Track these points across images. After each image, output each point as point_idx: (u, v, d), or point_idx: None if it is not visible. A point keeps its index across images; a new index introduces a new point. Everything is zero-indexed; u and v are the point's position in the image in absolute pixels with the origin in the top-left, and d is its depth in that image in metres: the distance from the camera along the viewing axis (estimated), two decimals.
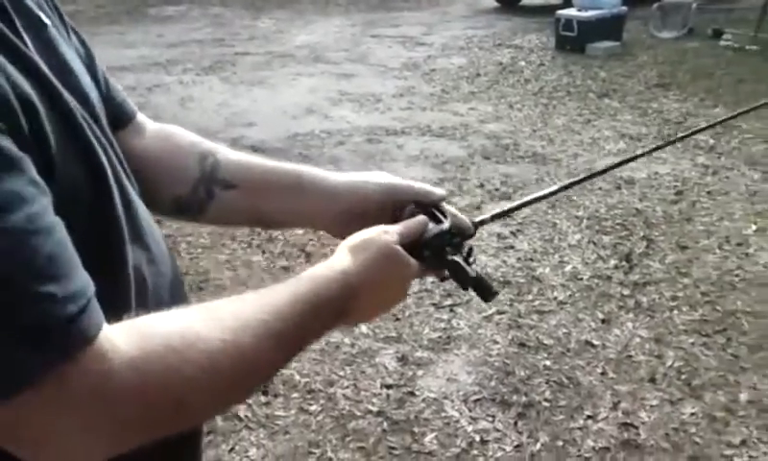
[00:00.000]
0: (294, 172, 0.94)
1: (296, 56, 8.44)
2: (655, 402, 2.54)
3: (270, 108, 6.36)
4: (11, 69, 0.56)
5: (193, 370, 0.57)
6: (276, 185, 0.93)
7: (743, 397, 2.57)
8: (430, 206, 0.91)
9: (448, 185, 4.55)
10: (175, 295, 0.81)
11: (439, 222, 0.88)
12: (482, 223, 0.98)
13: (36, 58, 0.62)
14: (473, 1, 12.13)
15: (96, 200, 0.66)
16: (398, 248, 0.80)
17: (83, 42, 0.85)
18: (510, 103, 6.43)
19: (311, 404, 2.60)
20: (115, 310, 0.58)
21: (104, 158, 0.67)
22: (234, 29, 10.08)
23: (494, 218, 1.02)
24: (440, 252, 0.86)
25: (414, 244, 0.83)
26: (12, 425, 0.51)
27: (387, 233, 0.80)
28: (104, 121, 0.76)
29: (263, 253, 3.68)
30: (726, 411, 2.51)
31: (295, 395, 2.65)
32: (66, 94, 0.64)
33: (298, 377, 2.73)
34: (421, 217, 0.87)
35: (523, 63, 7.85)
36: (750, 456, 2.32)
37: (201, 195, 0.92)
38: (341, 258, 0.77)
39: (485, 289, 0.88)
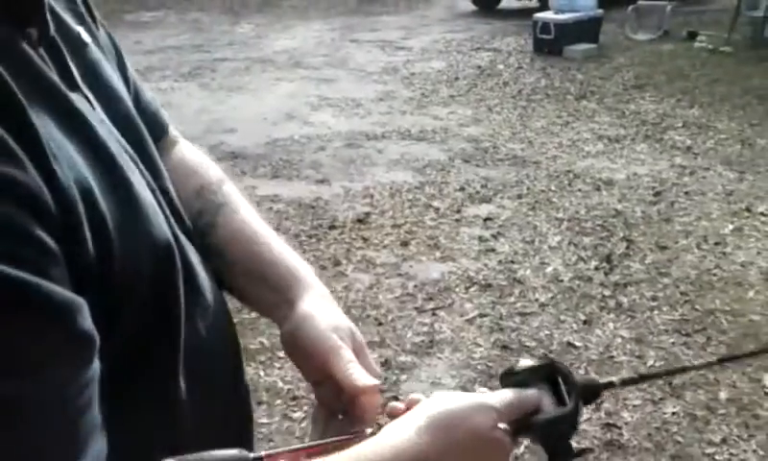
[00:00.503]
0: (288, 293, 0.81)
1: (275, 61, 8.42)
2: (637, 402, 2.56)
3: (250, 113, 6.34)
4: (72, 152, 0.53)
5: None
6: (263, 286, 0.83)
7: (723, 395, 2.60)
8: (550, 370, 0.69)
9: (429, 189, 4.57)
10: (224, 338, 0.77)
11: (559, 397, 0.67)
12: (609, 385, 0.74)
13: (91, 119, 0.59)
14: (452, 4, 12.19)
15: (157, 270, 0.61)
16: (498, 434, 0.64)
17: (110, 36, 0.80)
18: (489, 106, 6.46)
19: (295, 411, 2.59)
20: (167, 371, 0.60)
21: (162, 221, 0.63)
22: (213, 35, 10.04)
23: (625, 384, 0.80)
24: (556, 441, 0.66)
25: (519, 422, 0.66)
26: None
27: (483, 411, 0.64)
28: (151, 148, 0.72)
29: None
30: (706, 409, 2.53)
31: (278, 402, 2.64)
32: (119, 160, 0.60)
33: (281, 384, 2.72)
34: (534, 393, 0.67)
35: (502, 66, 7.90)
36: (731, 454, 2.34)
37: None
38: (420, 440, 0.62)
39: None
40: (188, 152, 0.94)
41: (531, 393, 0.67)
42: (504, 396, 0.67)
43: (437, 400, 0.65)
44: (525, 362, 0.71)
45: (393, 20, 11.18)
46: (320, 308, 0.79)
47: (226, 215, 0.86)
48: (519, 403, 0.67)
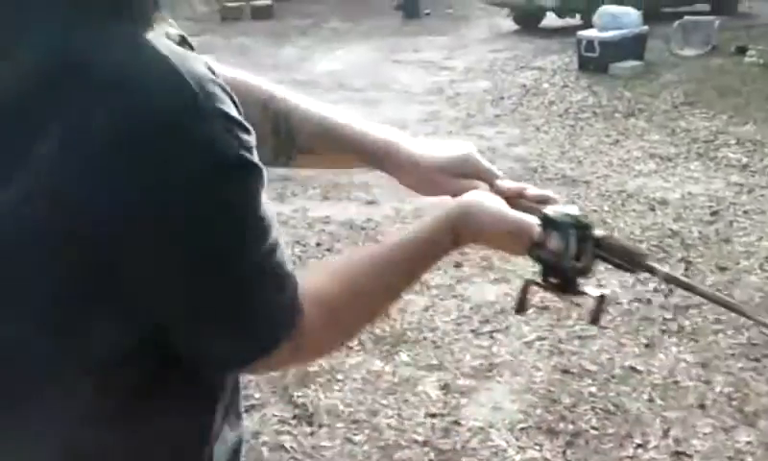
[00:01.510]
0: (378, 148, 0.96)
1: (320, 83, 8.51)
2: (707, 430, 2.50)
3: None
4: None
5: (352, 318, 0.79)
6: (354, 156, 0.97)
7: None
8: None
9: None
10: None
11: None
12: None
13: None
14: (493, 24, 12.20)
15: None
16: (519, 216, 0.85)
17: None
18: (536, 125, 6.43)
19: (356, 435, 2.59)
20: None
21: None
22: (258, 58, 10.19)
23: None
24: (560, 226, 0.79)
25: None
26: (267, 367, 0.74)
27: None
28: None
29: None
30: None
31: (339, 425, 2.64)
32: None
33: (341, 407, 2.71)
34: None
35: (547, 85, 7.86)
36: None
37: (281, 162, 0.95)
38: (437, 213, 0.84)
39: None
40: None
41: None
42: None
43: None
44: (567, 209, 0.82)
45: (435, 41, 11.23)
46: (429, 143, 0.98)
47: (295, 106, 0.96)
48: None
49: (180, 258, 0.60)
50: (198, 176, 0.58)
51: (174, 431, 0.68)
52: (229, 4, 15.37)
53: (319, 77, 8.89)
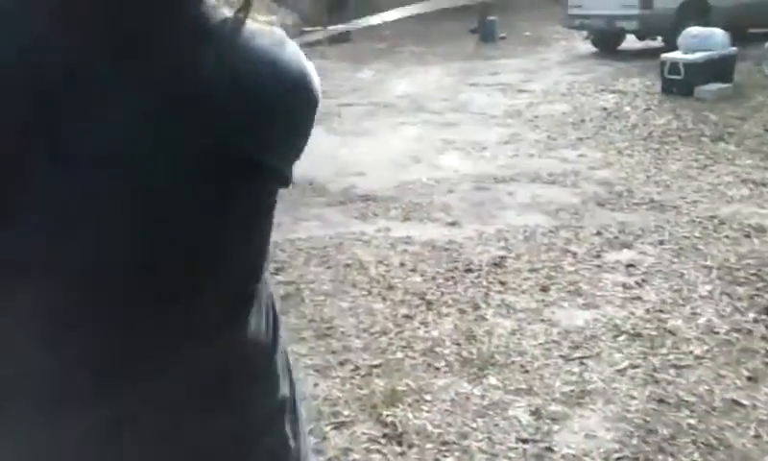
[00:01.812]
0: None
1: (398, 105, 8.59)
2: None
3: (377, 157, 6.47)
4: None
5: None
6: None
7: None
8: None
9: (564, 233, 4.48)
10: None
11: None
12: None
13: None
14: (570, 47, 12.08)
15: None
16: None
17: None
18: (619, 148, 6.30)
19: (446, 456, 2.56)
20: None
21: None
22: (336, 81, 10.36)
23: None
24: None
25: None
26: None
27: None
28: None
29: (384, 300, 3.70)
30: None
31: (429, 445, 2.61)
32: None
33: (430, 428, 2.69)
34: None
35: (629, 108, 7.70)
36: None
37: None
38: None
39: None
40: None
41: None
42: None
43: None
44: None
45: (510, 64, 11.18)
46: None
47: None
48: None
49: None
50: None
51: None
52: (308, 29, 15.72)
53: (396, 99, 8.97)
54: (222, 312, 0.69)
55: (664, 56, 8.39)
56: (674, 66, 8.13)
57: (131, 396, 0.66)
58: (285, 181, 0.73)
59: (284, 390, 0.81)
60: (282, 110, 0.69)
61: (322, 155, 6.62)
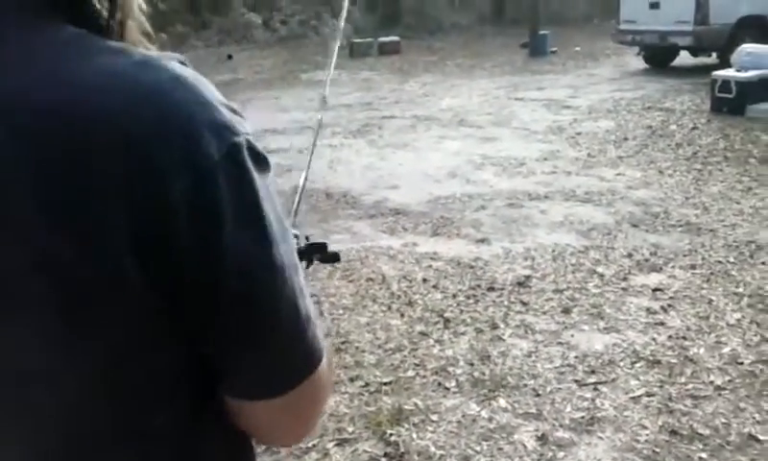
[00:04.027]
0: None
1: (440, 119, 8.58)
2: None
3: (413, 170, 6.48)
4: None
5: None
6: None
7: None
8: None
9: (594, 253, 4.40)
10: None
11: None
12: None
13: None
14: (621, 63, 11.87)
15: None
16: None
17: None
18: (660, 168, 6.16)
19: None
20: None
21: None
22: (382, 93, 10.44)
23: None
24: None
25: None
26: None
27: None
28: None
29: (402, 316, 3.70)
30: None
31: None
32: None
33: (433, 449, 2.68)
34: None
35: (674, 127, 7.53)
36: None
37: None
38: None
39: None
40: None
41: None
42: None
43: None
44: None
45: (559, 79, 11.06)
46: None
47: None
48: None
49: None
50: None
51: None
52: (358, 40, 15.86)
53: (440, 113, 8.97)
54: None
55: (715, 73, 8.18)
56: (725, 84, 7.91)
57: None
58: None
59: None
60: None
61: (359, 167, 6.68)
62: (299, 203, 1.44)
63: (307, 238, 1.25)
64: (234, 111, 0.60)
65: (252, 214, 0.58)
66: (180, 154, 0.55)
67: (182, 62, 0.60)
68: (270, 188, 0.61)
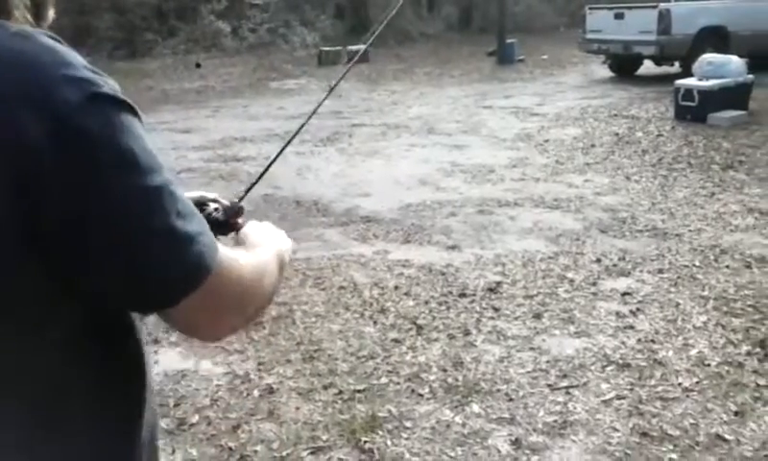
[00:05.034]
0: None
1: (410, 127, 8.62)
2: None
3: (384, 178, 6.49)
4: None
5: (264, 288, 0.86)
6: None
7: None
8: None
9: (563, 259, 4.45)
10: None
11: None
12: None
13: None
14: (587, 71, 12.05)
15: None
16: None
17: None
18: (627, 174, 6.26)
19: None
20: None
21: None
22: (351, 101, 10.44)
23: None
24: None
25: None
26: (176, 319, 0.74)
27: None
28: None
29: (375, 323, 3.70)
30: None
31: None
32: None
33: (408, 456, 2.68)
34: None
35: (640, 134, 7.66)
36: None
37: None
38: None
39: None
40: None
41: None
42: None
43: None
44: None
45: (527, 87, 11.19)
46: None
47: None
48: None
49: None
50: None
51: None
52: (327, 48, 15.87)
53: (409, 121, 9.01)
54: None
55: (678, 82, 8.34)
56: (688, 93, 8.08)
57: None
58: None
59: None
60: None
61: (329, 175, 6.67)
62: (255, 183, 1.42)
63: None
64: (100, 75, 0.67)
65: (116, 149, 0.65)
66: (39, 105, 0.62)
67: (53, 38, 0.68)
68: (138, 130, 0.68)
